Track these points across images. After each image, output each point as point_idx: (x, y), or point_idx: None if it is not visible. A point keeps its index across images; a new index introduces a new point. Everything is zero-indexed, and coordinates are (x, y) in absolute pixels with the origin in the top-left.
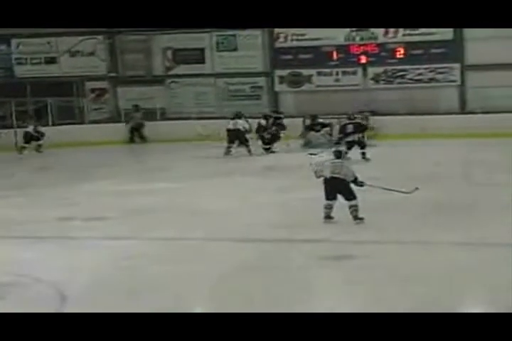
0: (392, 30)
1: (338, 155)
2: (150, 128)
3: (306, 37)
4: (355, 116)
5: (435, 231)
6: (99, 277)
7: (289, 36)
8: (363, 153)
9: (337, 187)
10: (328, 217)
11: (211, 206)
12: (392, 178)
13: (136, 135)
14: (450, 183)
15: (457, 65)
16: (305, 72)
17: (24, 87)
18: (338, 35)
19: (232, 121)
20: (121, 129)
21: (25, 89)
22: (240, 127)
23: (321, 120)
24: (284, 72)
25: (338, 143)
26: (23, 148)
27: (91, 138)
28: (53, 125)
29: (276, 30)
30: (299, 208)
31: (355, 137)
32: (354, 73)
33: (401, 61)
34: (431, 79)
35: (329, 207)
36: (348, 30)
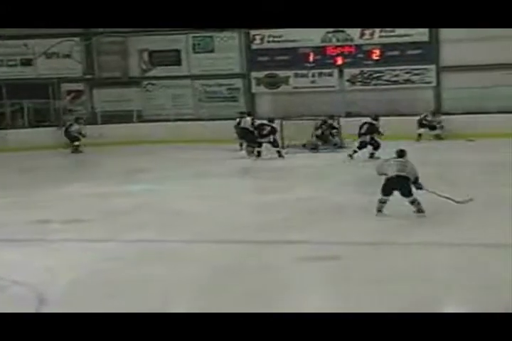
0: (368, 31)
1: (401, 154)
2: (127, 130)
3: (282, 38)
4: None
5: (420, 232)
6: (77, 279)
7: (265, 38)
8: (372, 153)
9: (398, 184)
10: (380, 211)
11: (190, 208)
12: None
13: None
14: (432, 184)
15: (433, 67)
16: (282, 73)
17: (0, 89)
18: (314, 37)
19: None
20: (98, 131)
21: (0, 91)
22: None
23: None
24: (261, 74)
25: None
26: None
27: (65, 140)
28: (30, 127)
29: (253, 31)
30: (279, 209)
31: (367, 138)
32: (330, 75)
33: (377, 62)
34: (407, 81)
35: (383, 202)
36: (324, 31)
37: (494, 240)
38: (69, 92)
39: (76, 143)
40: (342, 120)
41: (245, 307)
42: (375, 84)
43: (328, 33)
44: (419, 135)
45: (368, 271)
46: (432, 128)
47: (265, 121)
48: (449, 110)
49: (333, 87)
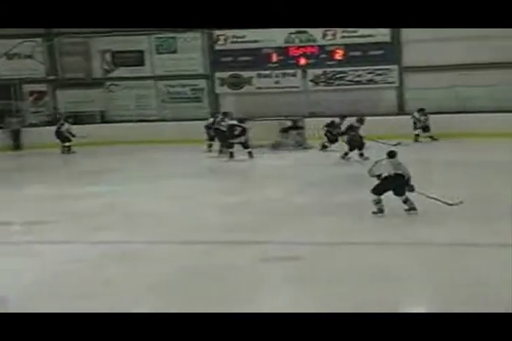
0: (330, 32)
1: (392, 155)
2: (90, 130)
3: (245, 39)
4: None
5: (377, 233)
6: (40, 282)
7: (228, 38)
8: (360, 154)
9: (396, 183)
10: (381, 211)
11: (156, 208)
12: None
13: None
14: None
15: (395, 67)
16: (245, 74)
17: None
18: (277, 38)
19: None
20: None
21: None
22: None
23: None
24: (225, 74)
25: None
26: None
27: (29, 141)
28: None
29: (216, 32)
30: (245, 210)
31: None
32: (294, 75)
33: (340, 63)
34: (370, 81)
35: (379, 202)
36: (287, 32)
37: (457, 239)
38: (31, 93)
39: (67, 143)
40: (306, 120)
41: (210, 307)
42: (338, 85)
43: (291, 33)
44: (417, 135)
45: (331, 271)
46: (425, 129)
47: (235, 122)
48: (412, 110)
49: (296, 87)
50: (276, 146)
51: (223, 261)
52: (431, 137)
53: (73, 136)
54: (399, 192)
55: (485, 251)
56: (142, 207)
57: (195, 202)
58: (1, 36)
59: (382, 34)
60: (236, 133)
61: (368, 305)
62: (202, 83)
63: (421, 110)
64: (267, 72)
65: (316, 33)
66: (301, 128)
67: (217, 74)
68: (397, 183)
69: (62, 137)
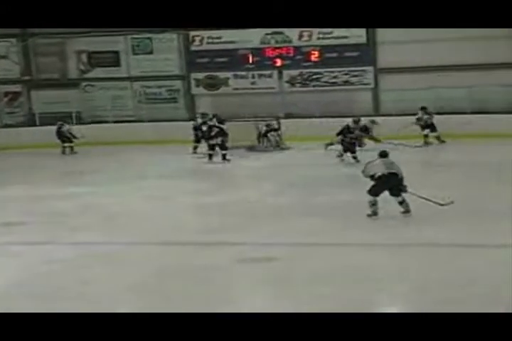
0: (306, 33)
1: (384, 154)
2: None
3: (221, 40)
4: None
5: (356, 233)
6: (17, 282)
7: (204, 39)
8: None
9: (390, 182)
10: (375, 213)
11: (133, 209)
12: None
13: None
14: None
15: (370, 68)
16: (221, 75)
17: None
18: (253, 38)
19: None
20: (37, 133)
21: None
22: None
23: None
24: (201, 75)
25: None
26: None
27: (5, 141)
28: None
29: (192, 33)
30: (222, 211)
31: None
32: (270, 76)
33: (316, 64)
34: (345, 82)
35: (375, 203)
36: (263, 33)
37: (435, 240)
38: (6, 94)
39: (66, 144)
40: (282, 121)
41: (189, 307)
42: (314, 86)
43: (267, 34)
44: (426, 136)
45: (309, 271)
46: (433, 129)
47: (212, 123)
48: (387, 112)
49: (272, 88)
50: (252, 148)
51: (202, 261)
52: (437, 138)
53: (74, 136)
54: (395, 193)
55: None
56: (121, 207)
57: (174, 203)
58: None
59: (358, 35)
60: (212, 134)
61: (346, 305)
62: (178, 84)
63: (423, 108)
64: (243, 73)
65: (292, 34)
66: (277, 129)
67: (193, 75)
68: (393, 183)
69: (63, 137)
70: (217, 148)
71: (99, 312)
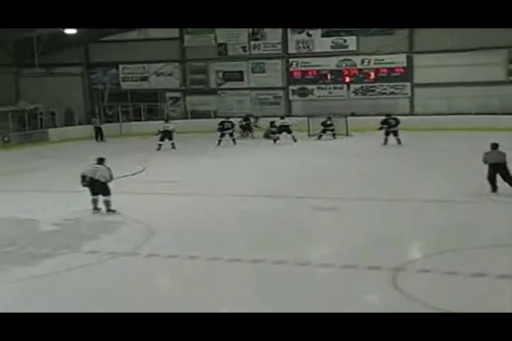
0: (366, 60)
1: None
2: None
3: (310, 64)
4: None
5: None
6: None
7: (299, 63)
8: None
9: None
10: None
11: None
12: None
13: None
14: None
15: (408, 84)
16: (309, 87)
17: None
18: (331, 63)
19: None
20: (189, 123)
21: None
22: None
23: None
24: (295, 87)
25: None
26: None
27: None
28: None
29: (291, 59)
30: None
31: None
32: (341, 88)
33: (372, 81)
34: (391, 93)
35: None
36: (338, 59)
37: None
38: (171, 98)
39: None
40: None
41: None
42: (371, 95)
43: (340, 60)
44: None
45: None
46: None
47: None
48: (418, 113)
49: (343, 96)
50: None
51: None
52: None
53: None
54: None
55: None
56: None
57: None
58: (156, 61)
59: (401, 61)
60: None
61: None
62: (280, 93)
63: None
64: (324, 86)
65: (357, 60)
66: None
67: (290, 87)
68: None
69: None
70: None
71: (99, 312)
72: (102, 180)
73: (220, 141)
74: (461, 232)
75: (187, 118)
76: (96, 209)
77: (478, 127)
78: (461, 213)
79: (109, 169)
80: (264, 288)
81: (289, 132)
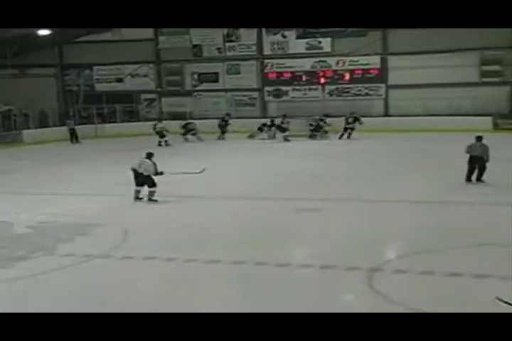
0: (341, 61)
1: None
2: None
3: (284, 65)
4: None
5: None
6: None
7: (274, 65)
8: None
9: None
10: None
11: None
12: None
13: None
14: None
15: (383, 85)
16: (284, 88)
17: None
18: (306, 64)
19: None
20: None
21: None
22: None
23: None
24: (270, 88)
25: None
26: None
27: (145, 130)
28: None
29: (266, 61)
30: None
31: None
32: (316, 89)
33: (347, 82)
34: (366, 94)
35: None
36: (312, 61)
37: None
38: (146, 99)
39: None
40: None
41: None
42: (346, 96)
43: (315, 62)
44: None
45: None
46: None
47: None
48: (392, 113)
49: (317, 97)
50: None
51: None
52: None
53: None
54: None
55: None
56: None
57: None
58: (131, 62)
59: (375, 63)
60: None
61: None
62: (255, 94)
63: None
64: (298, 87)
65: (332, 61)
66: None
67: (266, 88)
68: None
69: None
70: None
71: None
72: (145, 173)
73: (186, 139)
74: (438, 232)
75: (165, 119)
76: (137, 198)
77: (452, 128)
78: (439, 213)
79: (154, 164)
80: (243, 289)
81: (283, 131)
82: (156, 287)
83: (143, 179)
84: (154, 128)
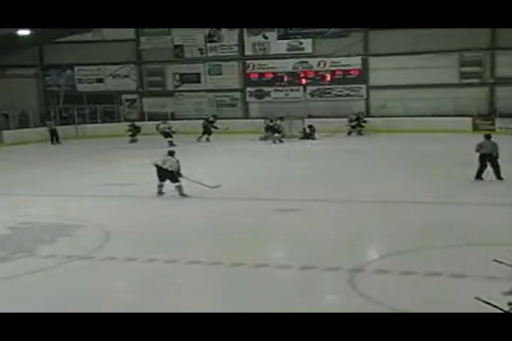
0: (322, 62)
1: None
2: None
3: (266, 66)
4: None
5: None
6: None
7: (255, 65)
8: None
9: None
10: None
11: None
12: None
13: None
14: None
15: (364, 86)
16: (266, 89)
17: None
18: (287, 65)
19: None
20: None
21: None
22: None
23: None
24: (252, 89)
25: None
26: None
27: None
28: None
29: (248, 61)
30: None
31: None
32: (298, 90)
33: (328, 83)
34: (347, 95)
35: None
36: (294, 62)
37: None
38: (127, 100)
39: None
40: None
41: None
42: (327, 97)
43: (297, 63)
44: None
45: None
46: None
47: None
48: (373, 114)
49: (299, 98)
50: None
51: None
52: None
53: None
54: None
55: None
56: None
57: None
58: (112, 63)
59: (356, 64)
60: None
61: None
62: (237, 95)
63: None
64: (280, 88)
65: (313, 62)
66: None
67: (248, 89)
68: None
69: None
70: None
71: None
72: (170, 169)
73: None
74: (419, 233)
75: (144, 120)
76: (160, 193)
77: (433, 129)
78: (420, 213)
79: (178, 161)
80: (222, 290)
81: (279, 132)
82: (137, 288)
83: (167, 175)
84: (157, 129)
